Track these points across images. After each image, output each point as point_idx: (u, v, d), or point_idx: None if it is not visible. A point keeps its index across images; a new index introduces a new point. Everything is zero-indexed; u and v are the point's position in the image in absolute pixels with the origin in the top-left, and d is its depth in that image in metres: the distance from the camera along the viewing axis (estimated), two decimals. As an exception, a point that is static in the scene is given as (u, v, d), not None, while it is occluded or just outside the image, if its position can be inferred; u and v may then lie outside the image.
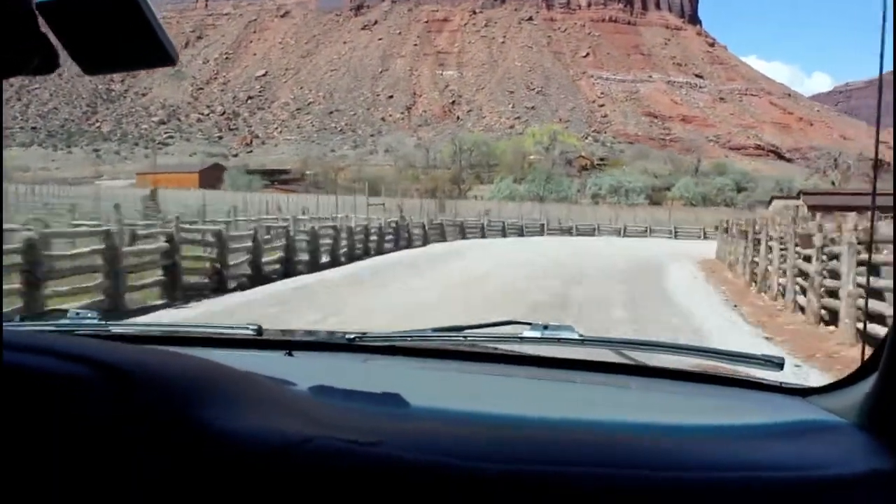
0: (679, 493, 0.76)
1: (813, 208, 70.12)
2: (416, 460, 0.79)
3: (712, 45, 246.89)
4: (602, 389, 1.33)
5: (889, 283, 7.18)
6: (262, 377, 0.99)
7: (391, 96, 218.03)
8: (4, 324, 0.77)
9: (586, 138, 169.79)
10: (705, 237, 44.28)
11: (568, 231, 48.61)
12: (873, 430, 0.92)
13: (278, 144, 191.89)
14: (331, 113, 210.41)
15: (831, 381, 1.17)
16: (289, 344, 1.55)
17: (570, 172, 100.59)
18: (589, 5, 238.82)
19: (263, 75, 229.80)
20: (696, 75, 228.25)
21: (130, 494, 0.77)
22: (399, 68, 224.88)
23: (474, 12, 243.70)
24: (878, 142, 1.29)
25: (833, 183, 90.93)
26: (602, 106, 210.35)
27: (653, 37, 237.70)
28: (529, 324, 1.51)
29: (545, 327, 1.49)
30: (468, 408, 1.13)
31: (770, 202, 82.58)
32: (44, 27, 0.71)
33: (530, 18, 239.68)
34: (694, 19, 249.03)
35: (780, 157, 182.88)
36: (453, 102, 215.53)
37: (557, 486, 0.77)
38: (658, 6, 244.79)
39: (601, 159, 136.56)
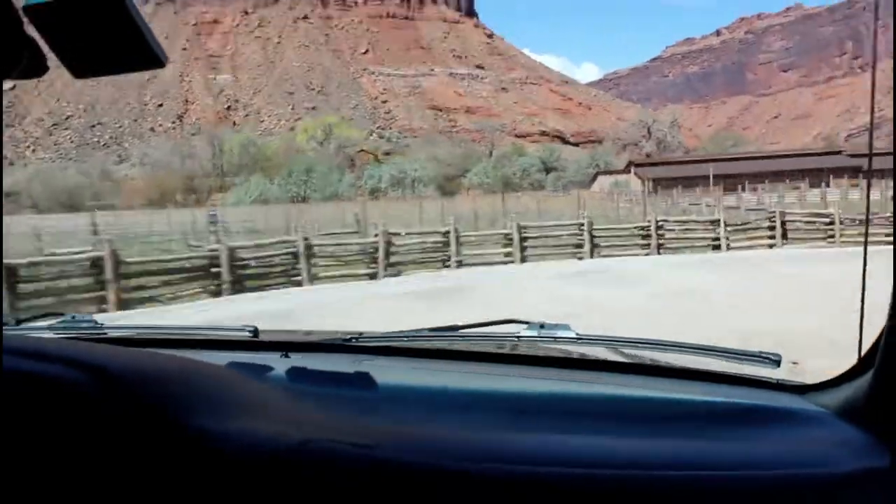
0: (677, 491, 0.76)
1: (651, 181, 68.26)
2: (413, 462, 0.79)
3: (490, 36, 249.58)
4: (599, 388, 1.33)
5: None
6: (259, 379, 0.98)
7: (161, 105, 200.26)
8: (3, 328, 0.77)
9: (371, 135, 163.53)
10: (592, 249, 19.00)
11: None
12: (870, 426, 0.92)
13: (28, 164, 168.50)
14: (93, 126, 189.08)
15: (828, 378, 1.18)
16: (285, 345, 1.54)
17: (340, 164, 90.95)
18: (365, 2, 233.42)
19: (12, 88, 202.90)
20: (477, 66, 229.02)
21: (125, 497, 0.76)
22: (168, 75, 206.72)
23: (246, 12, 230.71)
24: (872, 118, 1.27)
25: (647, 155, 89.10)
26: (385, 102, 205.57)
27: (432, 31, 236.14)
28: (526, 322, 1.50)
29: (542, 326, 1.48)
30: (465, 409, 1.12)
31: (594, 178, 78.52)
32: (31, 31, 0.70)
33: (306, 17, 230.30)
34: (471, 12, 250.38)
35: (566, 141, 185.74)
36: (229, 108, 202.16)
37: (555, 486, 0.77)
38: (435, 1, 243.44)
39: (386, 153, 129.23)
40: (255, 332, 1.56)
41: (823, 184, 56.64)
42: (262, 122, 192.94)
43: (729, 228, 19.12)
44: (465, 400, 1.20)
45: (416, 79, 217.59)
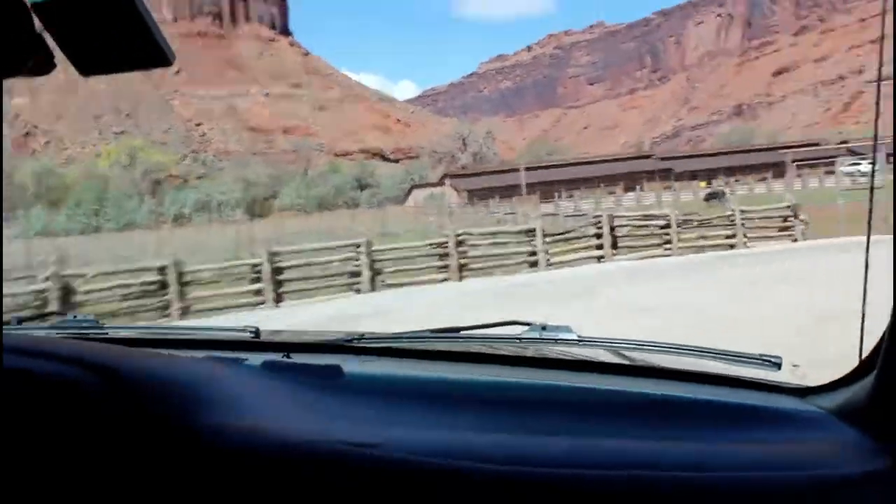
0: (678, 494, 0.76)
1: (466, 192, 65.76)
2: (414, 462, 0.79)
3: (306, 55, 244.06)
4: (600, 390, 1.33)
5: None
6: (260, 380, 0.98)
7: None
8: (4, 327, 0.74)
9: (184, 159, 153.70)
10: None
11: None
12: (871, 429, 0.92)
13: None
14: None
15: (829, 380, 1.19)
16: (286, 346, 1.54)
17: (141, 190, 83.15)
18: (175, 20, 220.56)
19: None
20: (294, 85, 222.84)
21: (128, 496, 0.76)
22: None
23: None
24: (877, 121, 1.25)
25: (463, 167, 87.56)
26: (199, 125, 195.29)
27: (246, 49, 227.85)
28: (528, 324, 1.50)
29: (543, 328, 1.48)
30: (466, 410, 1.13)
31: (409, 193, 76.51)
32: (39, 28, 0.70)
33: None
34: (285, 31, 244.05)
35: (386, 158, 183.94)
36: (27, 134, 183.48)
37: (556, 486, 0.77)
38: (248, 18, 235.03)
39: (198, 177, 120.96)
40: (257, 332, 1.58)
41: (638, 187, 57.08)
42: (66, 149, 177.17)
43: (548, 239, 16.10)
44: (466, 401, 1.21)
45: (231, 99, 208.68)
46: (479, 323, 1.58)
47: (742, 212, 17.72)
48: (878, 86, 1.27)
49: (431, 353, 1.52)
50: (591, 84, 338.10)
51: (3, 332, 0.76)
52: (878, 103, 1.28)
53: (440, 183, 75.79)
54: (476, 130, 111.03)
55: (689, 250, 16.79)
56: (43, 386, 0.79)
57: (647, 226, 17.27)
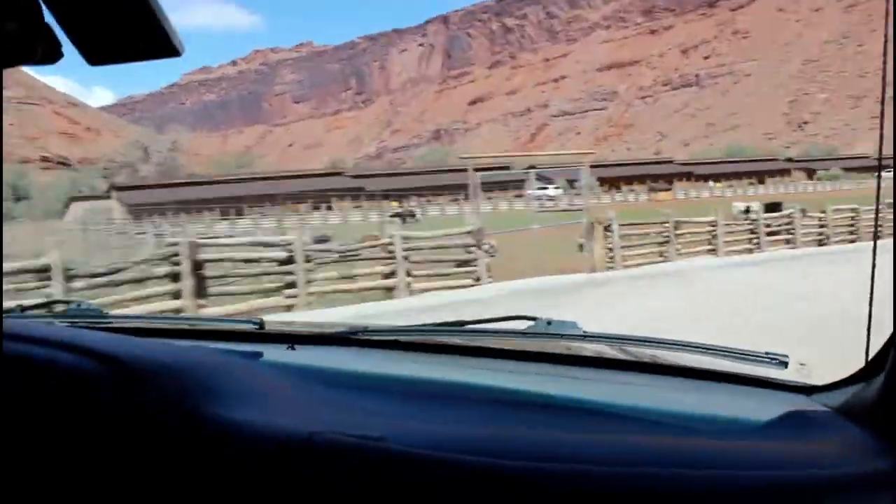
0: (682, 491, 0.76)
1: (134, 206, 56.51)
2: (420, 455, 0.79)
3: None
4: (606, 386, 1.33)
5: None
6: (265, 371, 0.98)
7: None
8: (6, 315, 0.75)
9: None
10: None
11: None
12: (878, 428, 0.93)
13: None
14: None
15: (836, 379, 1.18)
16: (291, 337, 1.54)
17: None
18: None
19: None
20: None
21: (133, 487, 0.76)
22: None
23: None
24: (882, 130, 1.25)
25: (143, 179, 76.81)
26: None
27: None
28: (534, 319, 1.51)
29: (549, 322, 1.49)
30: (470, 403, 1.14)
31: (68, 205, 65.23)
32: (47, 16, 0.69)
33: None
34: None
35: (68, 166, 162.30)
36: None
37: (559, 482, 0.77)
38: None
39: None
40: (261, 324, 1.58)
41: (324, 206, 52.28)
42: None
43: (81, 283, 9.20)
44: (470, 395, 1.20)
45: None
46: (485, 317, 1.56)
47: (406, 240, 12.04)
48: (882, 92, 1.26)
49: (435, 347, 1.52)
50: (297, 102, 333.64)
51: (6, 319, 0.76)
52: (881, 114, 1.23)
53: (106, 195, 65.43)
54: (163, 140, 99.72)
55: (319, 302, 10.81)
56: (45, 374, 0.79)
57: (258, 260, 10.87)
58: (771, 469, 0.80)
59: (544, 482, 0.77)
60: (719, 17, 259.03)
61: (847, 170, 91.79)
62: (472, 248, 12.51)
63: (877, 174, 1.37)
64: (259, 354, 1.24)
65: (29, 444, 0.76)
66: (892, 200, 1.98)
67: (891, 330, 0.90)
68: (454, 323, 1.56)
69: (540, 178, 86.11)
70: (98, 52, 0.74)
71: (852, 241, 20.34)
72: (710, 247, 17.21)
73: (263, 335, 1.55)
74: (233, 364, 0.95)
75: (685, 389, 1.29)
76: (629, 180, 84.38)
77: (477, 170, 19.45)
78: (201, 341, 1.38)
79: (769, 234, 18.66)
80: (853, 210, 20.88)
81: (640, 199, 70.70)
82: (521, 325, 1.50)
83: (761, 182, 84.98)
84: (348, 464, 0.79)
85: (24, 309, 1.70)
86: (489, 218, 25.63)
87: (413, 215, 44.71)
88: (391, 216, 42.26)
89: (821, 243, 19.63)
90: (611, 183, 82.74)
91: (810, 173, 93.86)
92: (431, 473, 0.78)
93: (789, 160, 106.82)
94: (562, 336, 1.47)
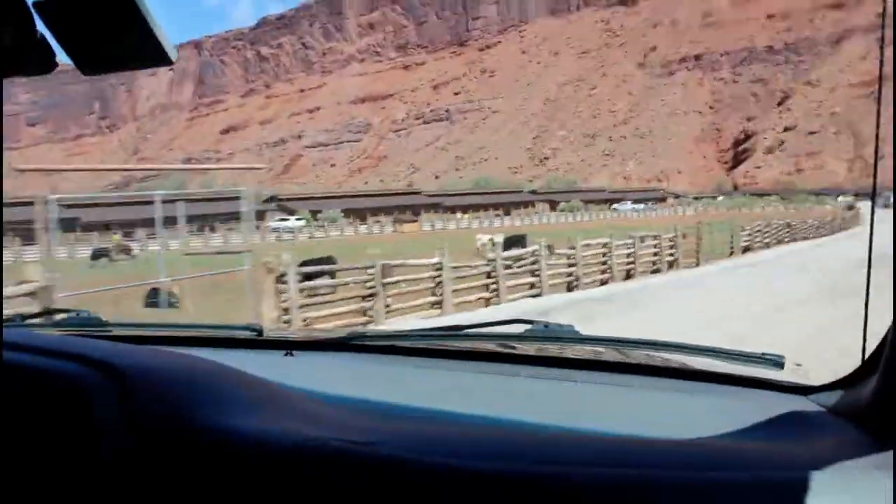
0: (680, 493, 0.76)
1: None
2: (417, 461, 0.79)
3: None
4: (603, 388, 1.33)
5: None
6: (262, 378, 0.99)
7: None
8: (6, 324, 0.74)
9: None
10: None
11: None
12: (874, 429, 0.92)
13: None
14: None
15: (833, 380, 1.18)
16: (288, 344, 1.54)
17: None
18: None
19: None
20: None
21: (131, 493, 0.76)
22: None
23: None
24: (878, 140, 1.29)
25: None
26: None
27: None
28: (531, 322, 1.50)
29: (546, 326, 1.48)
30: (469, 408, 1.13)
31: None
32: (41, 27, 0.70)
33: None
34: None
35: None
36: None
37: (558, 486, 0.77)
38: None
39: None
40: (260, 330, 1.57)
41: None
42: None
43: None
44: (468, 398, 1.21)
45: None
46: (485, 321, 1.56)
47: None
48: (878, 99, 1.29)
49: (434, 352, 1.52)
50: (32, 125, 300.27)
51: (6, 328, 0.76)
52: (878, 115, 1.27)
53: None
54: None
55: None
56: (45, 383, 0.79)
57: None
58: (769, 469, 0.80)
59: (543, 485, 0.77)
60: (468, 55, 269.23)
61: (586, 202, 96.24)
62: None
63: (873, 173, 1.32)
64: (256, 361, 1.23)
65: (29, 453, 0.75)
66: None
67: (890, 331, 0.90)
68: (451, 327, 1.55)
69: (282, 209, 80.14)
70: (92, 62, 0.75)
71: (604, 283, 17.46)
72: (434, 298, 12.87)
73: (262, 342, 1.55)
74: (231, 371, 0.95)
75: (683, 391, 1.29)
76: (376, 212, 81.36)
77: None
78: (200, 349, 1.36)
79: (514, 273, 14.77)
80: (605, 245, 17.97)
81: (386, 230, 67.62)
82: (519, 328, 1.49)
83: (507, 213, 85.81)
84: (346, 470, 0.78)
85: (24, 318, 1.70)
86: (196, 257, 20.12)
87: (128, 251, 37.16)
88: (92, 256, 34.70)
89: (570, 287, 16.21)
90: (358, 214, 79.26)
91: (553, 205, 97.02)
92: (429, 479, 0.78)
93: (533, 192, 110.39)
94: (559, 339, 1.47)
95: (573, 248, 16.76)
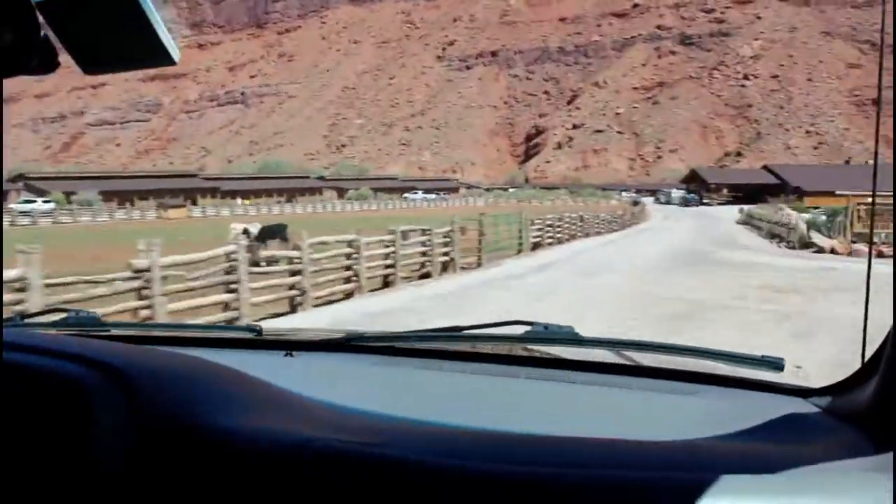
0: (680, 495, 0.75)
1: None
2: (416, 461, 0.79)
3: None
4: (602, 390, 1.33)
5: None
6: (262, 378, 0.98)
7: None
8: (6, 324, 0.74)
9: None
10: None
11: None
12: (874, 431, 0.92)
13: None
14: None
15: (832, 382, 1.18)
16: (288, 344, 1.54)
17: None
18: None
19: None
20: None
21: (131, 493, 0.76)
22: None
23: None
24: (877, 140, 1.28)
25: None
26: None
27: None
28: (530, 323, 1.50)
29: (545, 327, 1.48)
30: (467, 409, 1.13)
31: None
32: (43, 27, 0.70)
33: None
34: None
35: None
36: None
37: (557, 487, 0.77)
38: None
39: None
40: (259, 331, 1.57)
41: None
42: None
43: None
44: (467, 399, 1.21)
45: None
46: (485, 322, 1.56)
47: None
48: (879, 97, 1.29)
49: (433, 352, 1.52)
50: None
51: (5, 328, 0.76)
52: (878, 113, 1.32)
53: None
54: None
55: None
56: (44, 383, 0.79)
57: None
58: (768, 472, 0.80)
59: (542, 486, 0.77)
60: (266, 38, 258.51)
61: (376, 190, 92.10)
62: None
63: (873, 173, 1.40)
64: (256, 361, 1.24)
65: (28, 453, 0.76)
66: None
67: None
68: (451, 328, 1.54)
69: (31, 189, 68.86)
70: (94, 62, 0.75)
71: (348, 296, 12.70)
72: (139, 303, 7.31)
73: (261, 342, 1.55)
74: (230, 371, 0.95)
75: (682, 393, 1.29)
76: (146, 195, 72.19)
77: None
78: (200, 349, 1.36)
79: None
80: (351, 244, 13.01)
81: (149, 216, 59.53)
82: (518, 329, 1.49)
83: (290, 200, 79.95)
84: (345, 470, 0.78)
85: (23, 317, 1.71)
86: None
87: None
88: None
89: (293, 305, 11.24)
90: (125, 198, 69.85)
91: (341, 192, 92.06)
92: (427, 479, 0.78)
93: (321, 178, 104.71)
94: (558, 340, 1.47)
95: (324, 242, 12.05)
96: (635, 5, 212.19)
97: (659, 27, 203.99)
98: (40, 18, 0.69)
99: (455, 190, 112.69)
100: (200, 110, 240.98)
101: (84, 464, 0.76)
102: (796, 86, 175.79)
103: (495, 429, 0.95)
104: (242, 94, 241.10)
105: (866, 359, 1.02)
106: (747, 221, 40.97)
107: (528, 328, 1.48)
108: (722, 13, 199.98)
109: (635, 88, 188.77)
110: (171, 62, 0.75)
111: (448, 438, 0.87)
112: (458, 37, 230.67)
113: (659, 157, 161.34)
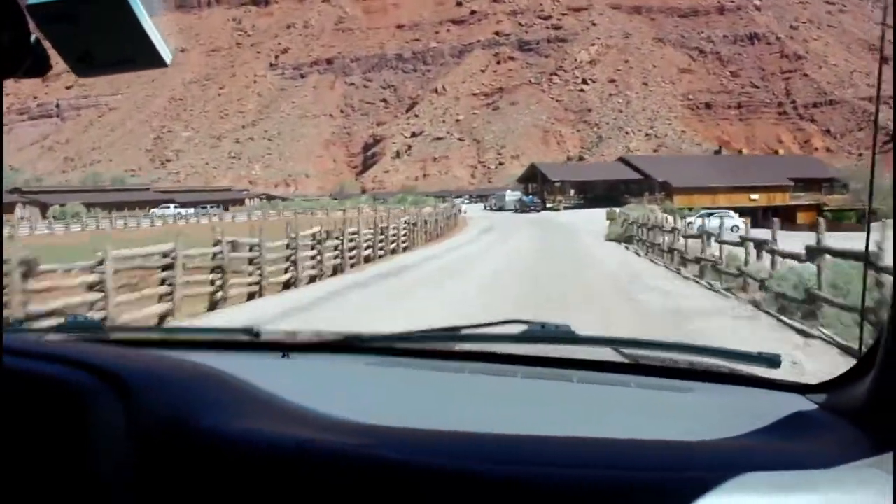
0: (678, 492, 0.75)
1: None
2: (414, 462, 0.79)
3: None
4: (600, 388, 1.33)
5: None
6: (260, 380, 0.99)
7: None
8: (5, 328, 0.73)
9: None
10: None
11: None
12: (871, 426, 0.92)
13: None
14: None
15: (829, 378, 1.18)
16: (285, 346, 1.55)
17: None
18: None
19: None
20: None
21: (129, 497, 0.76)
22: None
23: None
24: (875, 141, 1.28)
25: None
26: None
27: None
28: (527, 323, 1.50)
29: (542, 326, 1.48)
30: (465, 409, 1.13)
31: None
32: (36, 29, 0.70)
33: None
34: None
35: None
36: None
37: (556, 486, 0.76)
38: None
39: None
40: (257, 333, 1.56)
41: None
42: None
43: None
44: (465, 399, 1.21)
45: None
46: (482, 322, 1.55)
47: None
48: (878, 93, 1.28)
49: (431, 353, 1.52)
50: None
51: (4, 332, 0.77)
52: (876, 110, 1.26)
53: None
54: None
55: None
56: (41, 387, 0.79)
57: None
58: (766, 468, 0.80)
59: (541, 486, 0.77)
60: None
61: (112, 204, 73.39)
62: None
63: (870, 171, 1.37)
64: (254, 364, 1.25)
65: (27, 458, 0.75)
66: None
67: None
68: (449, 328, 1.53)
69: None
70: (86, 65, 0.75)
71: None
72: None
73: (259, 344, 1.55)
74: (227, 375, 0.95)
75: (680, 391, 1.29)
76: None
77: None
78: (197, 352, 1.37)
79: None
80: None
81: None
82: (515, 329, 1.48)
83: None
84: (343, 471, 0.78)
85: (22, 322, 1.72)
86: None
87: None
88: None
89: None
90: None
91: (44, 209, 70.92)
92: (425, 480, 0.78)
93: (17, 191, 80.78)
94: (555, 339, 1.46)
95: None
96: (472, 12, 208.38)
97: (497, 33, 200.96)
98: (32, 21, 0.69)
99: (240, 202, 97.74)
100: (9, 125, 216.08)
101: (81, 468, 0.76)
102: (633, 90, 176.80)
103: (493, 428, 0.94)
104: (57, 106, 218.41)
105: (863, 354, 1.01)
106: (628, 238, 26.10)
107: (524, 327, 1.48)
108: (558, 20, 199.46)
109: (475, 94, 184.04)
110: (162, 64, 0.75)
111: (445, 439, 0.86)
112: (292, 44, 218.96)
113: (501, 164, 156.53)
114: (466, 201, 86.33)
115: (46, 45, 0.71)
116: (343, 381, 1.27)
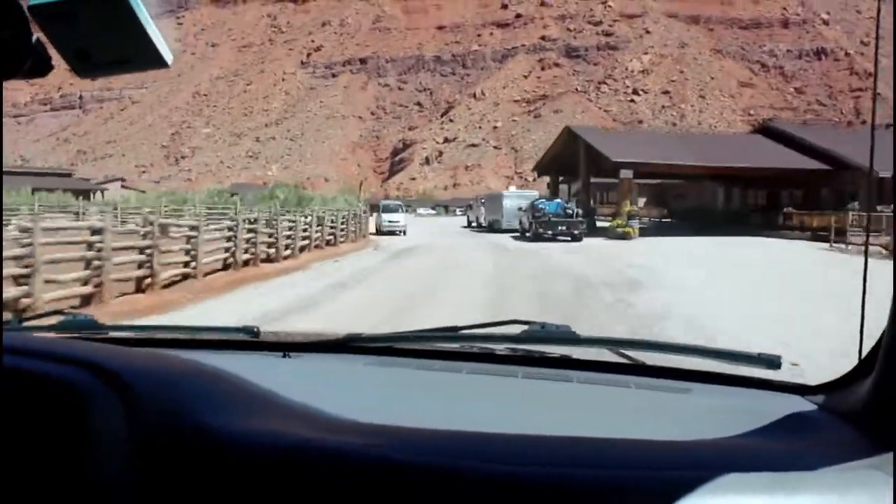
0: (678, 493, 0.75)
1: None
2: (414, 461, 0.79)
3: None
4: (600, 388, 1.33)
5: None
6: (260, 380, 0.98)
7: None
8: (5, 327, 0.76)
9: None
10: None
11: None
12: (871, 427, 0.92)
13: None
14: None
15: (829, 380, 1.18)
16: (285, 346, 1.55)
17: None
18: None
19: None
20: None
21: (131, 496, 0.76)
22: None
23: None
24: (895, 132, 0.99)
25: None
26: None
27: None
28: (527, 323, 1.50)
29: (542, 326, 1.48)
30: (466, 409, 1.13)
31: None
32: (36, 30, 0.69)
33: None
34: None
35: None
36: None
37: (556, 486, 0.76)
38: None
39: None
40: (257, 332, 1.57)
41: None
42: None
43: None
44: (465, 399, 1.22)
45: None
46: (482, 322, 1.55)
47: None
48: (874, 85, 1.27)
49: (431, 353, 1.53)
50: None
51: (4, 331, 0.76)
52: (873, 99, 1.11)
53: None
54: None
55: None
56: (41, 386, 0.78)
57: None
58: (766, 469, 0.80)
59: (542, 486, 0.77)
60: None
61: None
62: None
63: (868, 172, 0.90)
64: (253, 363, 1.25)
65: (25, 457, 0.75)
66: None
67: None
68: (449, 328, 1.53)
69: None
70: (87, 65, 0.75)
71: None
72: None
73: (258, 344, 1.55)
74: (227, 374, 0.95)
75: (680, 391, 1.29)
76: None
77: None
78: (197, 351, 1.36)
79: None
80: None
81: None
82: (516, 329, 1.48)
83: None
84: (343, 471, 0.78)
85: (21, 321, 1.71)
86: None
87: None
88: None
89: None
90: None
91: None
92: (425, 480, 0.78)
93: None
94: (556, 340, 1.46)
95: None
96: (518, 15, 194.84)
97: (543, 38, 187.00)
98: (33, 22, 0.68)
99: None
100: (31, 115, 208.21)
101: (81, 467, 0.75)
102: (688, 102, 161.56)
103: (493, 428, 0.93)
104: (80, 98, 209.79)
105: (863, 356, 1.01)
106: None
107: (525, 327, 1.47)
108: (609, 26, 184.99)
109: (516, 101, 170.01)
110: (163, 65, 0.75)
111: (445, 439, 0.86)
112: (326, 42, 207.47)
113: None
114: (432, 211, 67.06)
115: (48, 45, 0.71)
116: (343, 381, 1.27)
